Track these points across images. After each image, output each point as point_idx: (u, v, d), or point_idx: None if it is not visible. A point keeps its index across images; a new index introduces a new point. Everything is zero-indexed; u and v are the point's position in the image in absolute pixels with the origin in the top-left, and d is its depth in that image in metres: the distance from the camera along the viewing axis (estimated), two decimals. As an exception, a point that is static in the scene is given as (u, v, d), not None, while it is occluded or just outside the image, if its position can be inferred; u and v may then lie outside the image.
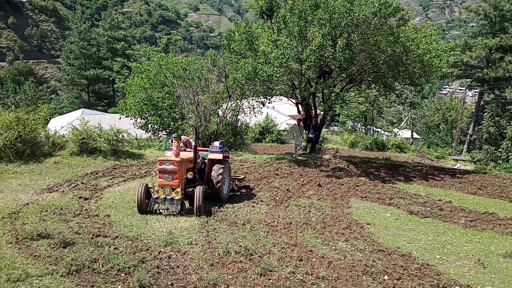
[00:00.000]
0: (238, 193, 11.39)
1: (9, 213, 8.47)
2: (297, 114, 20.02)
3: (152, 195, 9.07)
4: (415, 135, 45.12)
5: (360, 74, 16.79)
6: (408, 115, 43.34)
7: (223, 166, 10.07)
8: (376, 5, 13.92)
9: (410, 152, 26.39)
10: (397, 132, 36.81)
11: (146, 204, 8.97)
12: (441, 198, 11.88)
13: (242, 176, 11.87)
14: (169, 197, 8.94)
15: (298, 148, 17.64)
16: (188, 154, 9.77)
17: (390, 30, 14.53)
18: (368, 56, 14.88)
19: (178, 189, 8.97)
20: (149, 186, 9.28)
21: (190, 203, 9.40)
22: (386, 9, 14.15)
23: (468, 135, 39.63)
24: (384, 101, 32.66)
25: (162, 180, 9.10)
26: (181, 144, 10.06)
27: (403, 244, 8.15)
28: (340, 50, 13.58)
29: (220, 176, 9.91)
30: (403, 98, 19.05)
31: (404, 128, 44.56)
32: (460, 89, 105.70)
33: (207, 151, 10.42)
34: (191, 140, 10.47)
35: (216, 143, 10.21)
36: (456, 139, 38.70)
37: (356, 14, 13.65)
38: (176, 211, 8.89)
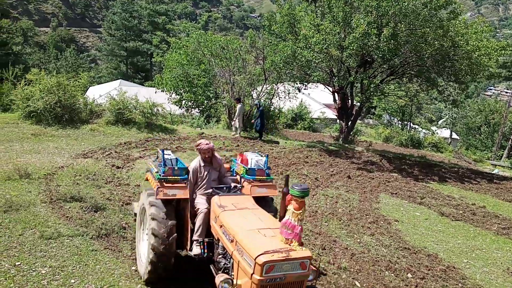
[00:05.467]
0: None
1: (45, 174, 8.79)
2: (332, 102, 19.67)
3: None
4: (454, 135, 43.58)
5: (403, 67, 16.26)
6: (449, 113, 41.81)
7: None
8: (428, -4, 13.36)
9: (447, 153, 25.51)
10: (435, 130, 35.66)
11: None
12: (475, 202, 11.48)
13: None
14: None
15: (237, 129, 16.69)
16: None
17: (440, 23, 13.90)
18: (413, 48, 14.35)
19: None
20: None
21: None
22: (437, 0, 13.55)
23: (510, 140, 37.93)
24: (424, 97, 31.56)
25: None
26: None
27: (430, 245, 7.95)
28: (385, 39, 13.14)
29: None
30: (445, 95, 18.27)
31: (443, 127, 43.07)
32: (507, 92, 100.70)
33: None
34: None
35: (261, 160, 5.64)
36: (497, 143, 37.09)
37: (406, 4, 13.12)
38: None
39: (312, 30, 14.75)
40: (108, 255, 5.72)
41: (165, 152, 5.32)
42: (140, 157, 11.53)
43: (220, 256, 4.56)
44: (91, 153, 11.24)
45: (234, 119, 16.67)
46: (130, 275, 5.32)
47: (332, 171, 12.75)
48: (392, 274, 6.38)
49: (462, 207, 10.81)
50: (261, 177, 5.47)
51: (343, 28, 14.29)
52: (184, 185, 5.10)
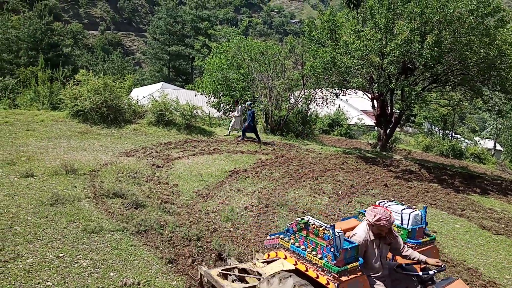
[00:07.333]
0: None
1: (90, 171, 9.23)
2: (371, 109, 19.38)
3: None
4: (498, 147, 41.67)
5: (446, 75, 15.76)
6: (493, 124, 40.04)
7: None
8: (474, 3, 12.90)
9: (490, 164, 24.44)
10: (478, 141, 34.26)
11: None
12: (520, 217, 10.95)
13: None
14: None
15: (233, 128, 16.96)
16: None
17: (486, 31, 13.40)
18: (458, 56, 13.90)
19: None
20: None
21: None
22: (484, 8, 13.06)
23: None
24: (468, 106, 30.40)
25: None
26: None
27: (470, 258, 7.68)
28: (429, 47, 12.81)
29: None
30: (490, 105, 17.52)
31: (487, 137, 41.31)
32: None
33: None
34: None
35: (417, 215, 4.45)
36: (545, 156, 35.11)
37: (451, 11, 12.75)
38: None
39: (353, 37, 14.62)
40: (146, 251, 5.94)
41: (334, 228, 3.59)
42: (179, 157, 11.85)
43: None
44: (133, 152, 11.68)
45: (233, 120, 17.17)
46: (166, 272, 5.50)
47: (369, 179, 12.55)
48: (428, 287, 6.23)
49: (504, 221, 10.35)
50: (423, 239, 4.29)
51: (384, 34, 14.08)
52: (361, 273, 3.68)
